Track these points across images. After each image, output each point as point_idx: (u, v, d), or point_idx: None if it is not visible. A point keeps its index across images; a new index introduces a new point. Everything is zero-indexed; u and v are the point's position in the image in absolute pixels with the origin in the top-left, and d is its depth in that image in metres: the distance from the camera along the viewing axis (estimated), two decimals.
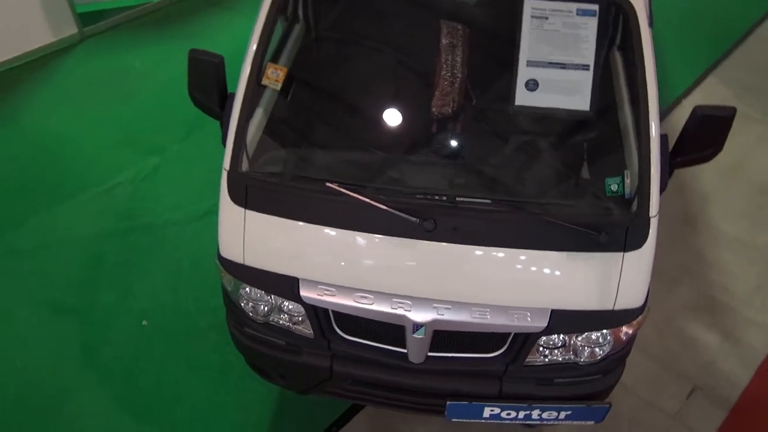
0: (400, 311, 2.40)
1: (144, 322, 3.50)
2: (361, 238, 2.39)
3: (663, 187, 2.41)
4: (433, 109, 2.67)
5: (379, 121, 2.78)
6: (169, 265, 3.75)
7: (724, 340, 3.60)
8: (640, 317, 2.51)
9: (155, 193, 4.17)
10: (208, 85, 2.53)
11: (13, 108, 4.72)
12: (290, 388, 2.89)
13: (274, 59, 2.80)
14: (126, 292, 3.62)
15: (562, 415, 2.59)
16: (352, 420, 3.19)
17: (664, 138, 2.37)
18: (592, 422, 2.63)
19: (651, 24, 2.68)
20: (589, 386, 2.59)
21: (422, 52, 2.85)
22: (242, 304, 2.61)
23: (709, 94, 5.17)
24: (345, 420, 3.19)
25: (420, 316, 2.40)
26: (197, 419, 3.16)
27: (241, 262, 2.49)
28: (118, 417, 3.15)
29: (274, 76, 2.43)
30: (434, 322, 2.40)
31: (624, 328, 2.49)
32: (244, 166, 2.49)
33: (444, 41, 2.76)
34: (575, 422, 2.62)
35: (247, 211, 2.46)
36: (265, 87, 2.61)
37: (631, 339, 2.58)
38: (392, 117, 2.79)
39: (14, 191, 4.15)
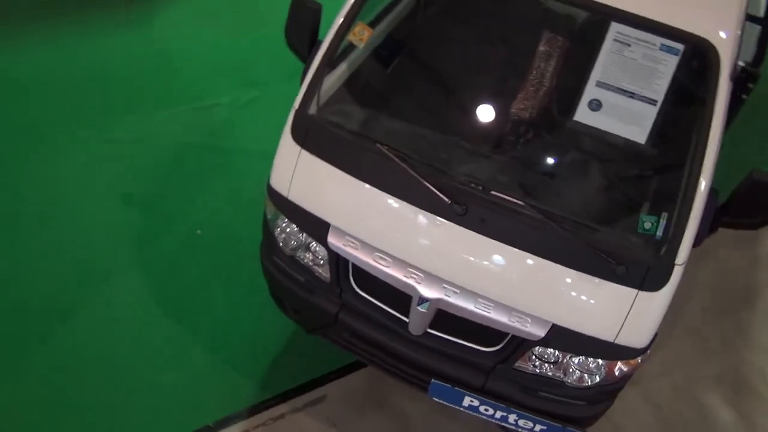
0: (411, 281, 2.52)
1: (198, 231, 3.80)
2: (395, 204, 2.52)
3: (698, 241, 2.41)
4: (512, 110, 2.76)
5: (455, 106, 2.90)
6: (233, 189, 4.04)
7: (740, 420, 3.50)
8: (638, 358, 2.52)
9: (244, 122, 4.47)
10: (302, 29, 2.72)
11: (147, 14, 5.14)
12: (300, 324, 3.08)
13: (376, 21, 2.97)
14: (190, 201, 3.94)
15: (537, 428, 2.65)
16: (351, 374, 3.35)
17: (712, 192, 2.35)
18: None
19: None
20: (571, 409, 2.63)
21: (519, 53, 2.93)
22: (276, 234, 2.81)
23: None
24: (345, 372, 3.35)
25: (428, 291, 2.51)
26: (216, 325, 3.46)
27: (285, 195, 2.69)
28: (149, 305, 3.47)
29: (360, 34, 2.59)
30: (439, 300, 2.51)
31: (619, 364, 2.51)
32: (312, 109, 2.68)
33: (541, 48, 2.83)
34: None
35: (302, 150, 2.65)
36: (354, 46, 2.79)
37: (625, 377, 2.59)
38: (469, 104, 2.90)
39: (125, 88, 4.56)
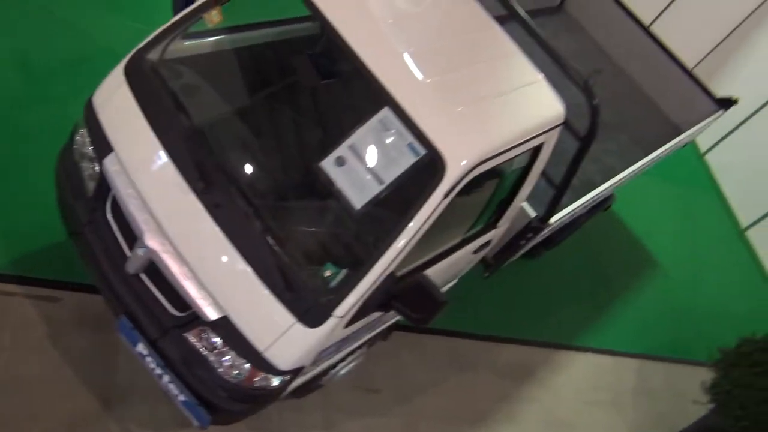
0: (143, 226, 2.88)
1: None
2: (166, 162, 2.90)
3: (366, 311, 2.79)
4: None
5: (250, 117, 3.36)
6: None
7: None
8: (277, 380, 2.85)
9: None
10: None
11: None
12: (63, 224, 3.40)
13: (255, 26, 3.43)
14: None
15: (181, 396, 2.98)
16: (96, 295, 3.63)
17: (390, 276, 2.74)
18: (197, 423, 2.99)
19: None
20: (212, 394, 2.94)
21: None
22: (74, 138, 3.18)
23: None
24: (92, 290, 3.62)
25: (150, 240, 2.86)
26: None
27: (95, 111, 3.07)
28: None
29: (211, 17, 3.01)
30: (155, 253, 2.85)
31: (260, 374, 2.84)
32: (153, 55, 3.08)
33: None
34: (184, 410, 2.99)
35: (125, 84, 3.04)
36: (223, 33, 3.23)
37: (262, 390, 2.90)
38: (257, 123, 3.36)
39: None
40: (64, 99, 4.08)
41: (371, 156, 2.77)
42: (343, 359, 3.53)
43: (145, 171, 2.93)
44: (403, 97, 2.77)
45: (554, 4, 6.31)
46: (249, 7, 3.26)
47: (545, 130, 3.12)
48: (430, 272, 3.06)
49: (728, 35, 8.05)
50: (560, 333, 5.35)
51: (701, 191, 7.87)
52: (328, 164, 2.77)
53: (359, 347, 3.56)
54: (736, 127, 7.83)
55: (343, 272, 2.75)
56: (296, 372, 2.88)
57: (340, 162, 2.77)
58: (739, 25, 7.93)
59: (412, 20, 3.15)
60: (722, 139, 8.00)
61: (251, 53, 3.48)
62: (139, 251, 2.92)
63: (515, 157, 3.05)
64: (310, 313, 2.73)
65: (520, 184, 3.37)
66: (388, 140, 2.78)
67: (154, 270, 2.95)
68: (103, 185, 3.06)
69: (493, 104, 3.00)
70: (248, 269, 2.76)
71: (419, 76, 2.87)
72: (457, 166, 2.72)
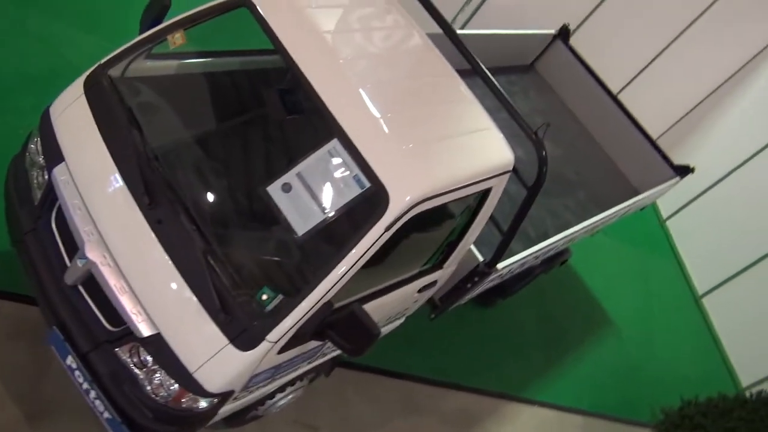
0: (84, 236, 2.87)
1: None
2: (114, 175, 2.92)
3: (298, 338, 2.78)
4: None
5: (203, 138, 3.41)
6: None
7: None
8: (205, 402, 2.82)
9: None
10: (149, 15, 3.21)
11: None
12: (8, 230, 3.37)
13: (220, 54, 3.50)
14: None
15: (105, 414, 2.92)
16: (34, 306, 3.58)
17: (327, 304, 2.75)
18: None
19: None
20: (138, 414, 2.88)
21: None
22: (28, 146, 3.19)
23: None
24: (31, 302, 3.56)
25: (91, 251, 2.86)
26: None
27: (50, 120, 3.10)
28: None
29: (174, 39, 3.07)
30: (94, 264, 2.84)
31: (188, 395, 2.81)
32: (114, 71, 3.13)
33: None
34: (108, 428, 2.93)
35: (83, 96, 3.07)
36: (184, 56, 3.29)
37: (189, 412, 2.86)
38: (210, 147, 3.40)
39: None
40: (27, 111, 4.08)
41: (317, 185, 2.81)
42: (281, 390, 3.49)
43: (92, 183, 2.94)
44: (352, 129, 2.83)
45: (526, 63, 6.52)
46: (213, 35, 3.33)
47: (493, 175, 3.19)
48: (371, 307, 3.08)
49: (694, 108, 8.37)
50: (509, 383, 5.36)
51: (661, 255, 8.02)
52: (274, 190, 2.81)
53: (299, 379, 3.53)
54: (697, 197, 8.06)
55: (280, 297, 2.76)
56: (225, 396, 2.85)
57: (287, 188, 2.80)
58: (704, 99, 8.25)
59: (372, 58, 3.24)
60: (684, 206, 8.21)
61: (212, 79, 3.55)
62: (79, 262, 2.91)
63: (461, 198, 3.11)
64: (243, 336, 2.72)
65: (467, 227, 3.42)
66: (335, 171, 2.83)
67: (93, 283, 2.93)
68: (50, 194, 3.06)
69: (443, 145, 3.08)
70: (185, 288, 2.76)
71: (372, 111, 2.94)
72: (400, 200, 2.76)
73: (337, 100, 2.89)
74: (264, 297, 2.76)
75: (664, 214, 8.40)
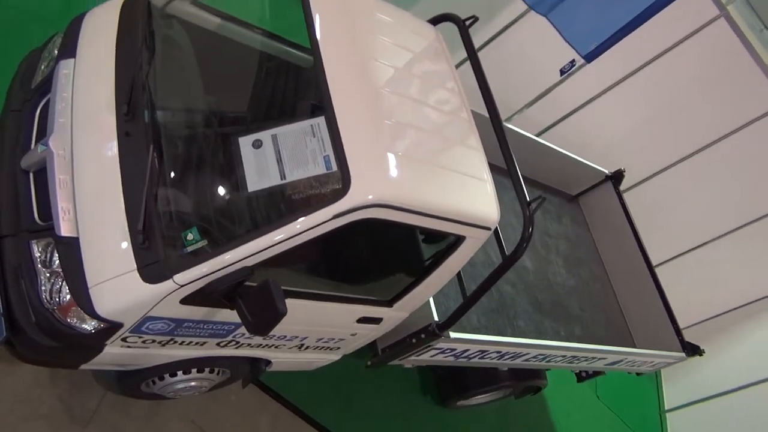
0: (56, 126, 2.87)
1: None
2: (111, 76, 2.96)
3: (206, 295, 2.61)
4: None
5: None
6: None
7: None
8: (90, 325, 2.66)
9: None
10: None
11: None
12: None
13: None
14: None
15: None
16: None
17: (244, 270, 2.59)
18: None
19: None
20: (21, 310, 2.71)
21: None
22: (49, 43, 3.27)
23: None
24: None
25: (54, 140, 2.82)
26: None
27: (81, 20, 3.20)
28: None
29: None
30: (50, 154, 2.80)
31: (76, 309, 2.63)
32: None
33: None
34: None
35: (121, 7, 3.20)
36: None
37: (71, 334, 2.68)
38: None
39: None
40: None
41: (287, 152, 2.75)
42: (184, 369, 3.27)
43: (87, 79, 2.98)
44: (342, 115, 2.77)
45: (570, 194, 6.43)
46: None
47: (469, 222, 3.03)
48: (300, 306, 2.90)
49: (731, 310, 7.94)
50: None
51: None
52: (244, 141, 2.77)
53: (206, 367, 3.31)
54: (708, 398, 7.51)
55: (202, 243, 2.63)
56: (113, 327, 2.67)
57: (257, 144, 2.76)
58: (746, 305, 7.84)
59: (399, 72, 3.21)
60: (689, 404, 7.65)
61: (238, 48, 3.58)
62: (39, 148, 2.88)
63: (428, 229, 2.95)
64: (152, 268, 2.58)
65: (428, 271, 3.22)
66: (310, 146, 2.76)
67: (43, 175, 2.88)
68: (47, 83, 3.10)
69: (429, 169, 2.96)
70: (121, 204, 2.68)
71: (373, 110, 2.89)
72: (360, 194, 2.64)
73: (341, 86, 2.85)
74: (189, 237, 2.64)
75: (668, 404, 7.83)
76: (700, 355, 5.57)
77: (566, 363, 4.79)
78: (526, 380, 4.97)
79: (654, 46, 6.43)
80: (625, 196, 6.22)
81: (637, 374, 5.86)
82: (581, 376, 5.72)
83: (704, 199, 7.32)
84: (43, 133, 2.98)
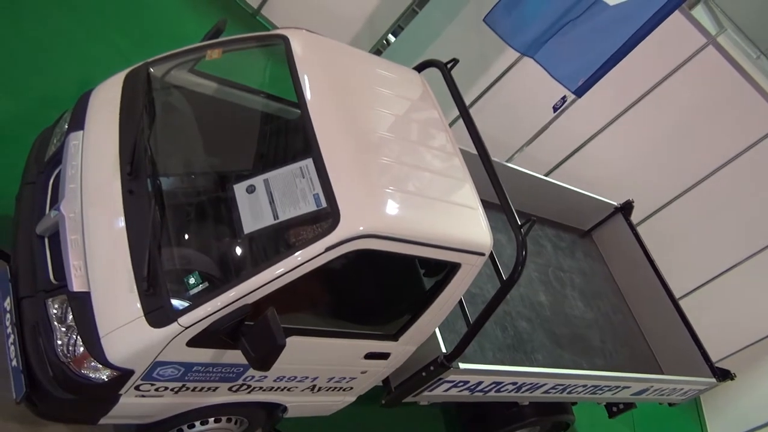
0: (67, 192, 3.07)
1: None
2: (115, 143, 3.17)
3: (210, 335, 2.73)
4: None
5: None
6: None
7: None
8: (104, 374, 2.76)
9: None
10: (206, 37, 3.63)
11: None
12: None
13: None
14: None
15: (14, 362, 2.94)
16: None
17: (245, 308, 2.71)
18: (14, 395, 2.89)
19: None
20: (39, 365, 2.84)
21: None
22: (59, 120, 3.53)
23: None
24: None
25: (66, 205, 3.02)
26: None
27: (89, 96, 3.46)
28: None
29: (212, 55, 3.41)
30: (62, 218, 3.00)
31: (90, 360, 2.75)
32: (157, 70, 3.52)
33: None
34: (11, 377, 2.91)
35: (123, 81, 3.46)
36: None
37: (87, 385, 2.79)
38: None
39: None
40: None
41: (279, 194, 2.90)
42: (202, 420, 3.34)
43: (95, 148, 3.20)
44: (329, 155, 2.94)
45: (583, 229, 6.46)
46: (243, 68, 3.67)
47: (463, 249, 3.12)
48: (307, 343, 3.00)
49: (758, 341, 7.69)
50: None
51: None
52: (239, 188, 2.94)
53: (224, 416, 3.38)
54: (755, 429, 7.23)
55: (204, 285, 2.76)
56: (125, 374, 2.78)
57: (251, 189, 2.92)
58: None
59: (382, 114, 3.40)
60: None
61: (233, 110, 3.81)
62: (52, 213, 3.09)
63: (422, 258, 3.05)
64: (158, 312, 2.71)
65: (428, 302, 3.30)
66: (300, 187, 2.91)
67: (58, 239, 3.06)
68: (59, 154, 3.33)
69: (418, 200, 3.09)
70: (128, 257, 2.83)
71: (359, 151, 3.07)
72: (350, 226, 2.77)
73: (326, 129, 3.04)
74: (191, 281, 2.78)
75: None
76: (732, 379, 5.44)
77: (589, 394, 4.73)
78: (551, 415, 4.90)
79: (649, 78, 6.57)
80: (638, 229, 6.23)
81: (670, 405, 5.72)
82: (612, 411, 5.61)
83: (718, 226, 7.26)
84: (56, 201, 3.19)
